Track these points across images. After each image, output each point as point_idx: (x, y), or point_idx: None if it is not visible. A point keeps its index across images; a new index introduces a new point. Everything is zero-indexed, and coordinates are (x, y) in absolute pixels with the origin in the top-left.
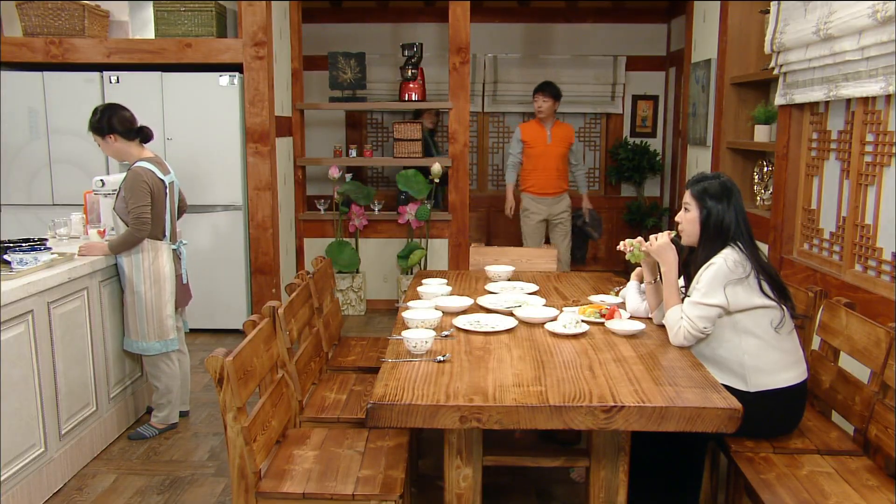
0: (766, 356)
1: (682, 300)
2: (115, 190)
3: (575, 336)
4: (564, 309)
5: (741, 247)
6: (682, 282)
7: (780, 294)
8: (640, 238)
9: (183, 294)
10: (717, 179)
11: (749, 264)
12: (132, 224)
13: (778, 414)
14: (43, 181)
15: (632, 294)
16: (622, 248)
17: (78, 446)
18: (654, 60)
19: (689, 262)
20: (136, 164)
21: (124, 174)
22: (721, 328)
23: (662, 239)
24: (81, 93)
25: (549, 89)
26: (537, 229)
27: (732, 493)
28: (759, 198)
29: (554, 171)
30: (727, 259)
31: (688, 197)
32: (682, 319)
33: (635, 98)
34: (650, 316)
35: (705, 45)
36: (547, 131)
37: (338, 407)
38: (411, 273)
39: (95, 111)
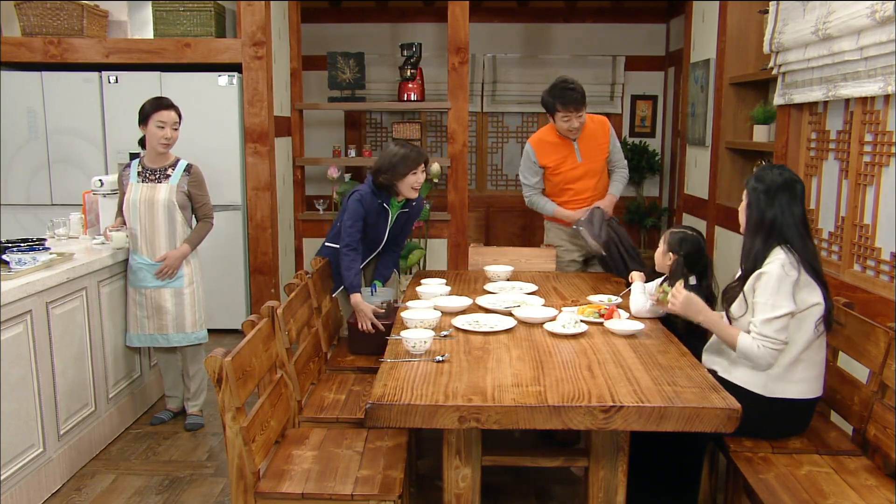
0: (794, 366)
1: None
2: (114, 189)
3: (574, 336)
4: (563, 309)
5: (790, 248)
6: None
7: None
8: (664, 286)
9: None
10: (772, 172)
11: (799, 265)
12: (206, 216)
13: (785, 421)
14: (42, 181)
15: (636, 295)
16: (652, 297)
17: (77, 446)
18: (653, 60)
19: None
20: (188, 162)
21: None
22: None
23: (681, 296)
24: (80, 93)
25: (582, 99)
26: (570, 268)
27: (731, 493)
28: None
29: (591, 191)
30: (783, 265)
31: (745, 185)
32: (759, 345)
33: (634, 98)
34: (654, 317)
35: (704, 45)
36: (574, 146)
37: (337, 407)
38: (410, 273)
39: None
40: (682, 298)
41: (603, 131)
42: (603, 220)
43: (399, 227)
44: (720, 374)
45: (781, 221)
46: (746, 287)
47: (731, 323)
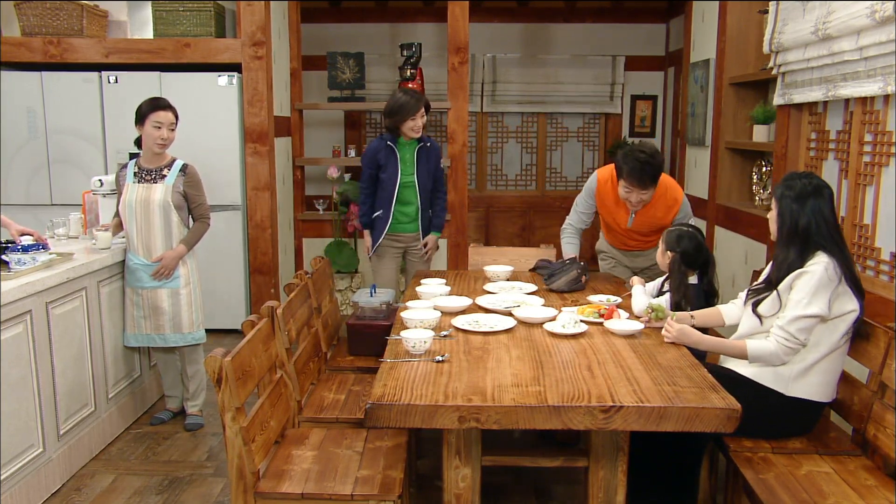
0: (817, 368)
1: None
2: (113, 189)
3: (574, 336)
4: (563, 309)
5: (829, 253)
6: (666, 290)
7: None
8: (652, 304)
9: None
10: (800, 180)
11: (841, 273)
12: (203, 217)
13: (794, 420)
14: (41, 181)
15: (638, 296)
16: (643, 319)
17: (76, 446)
18: (652, 60)
19: (773, 263)
20: (184, 162)
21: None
22: None
23: (674, 330)
24: (80, 93)
25: (652, 180)
26: (614, 274)
27: (731, 493)
28: (757, 198)
29: (636, 239)
30: (827, 267)
31: (773, 195)
32: (776, 340)
33: (634, 98)
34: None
35: (704, 45)
36: (630, 214)
37: (336, 407)
38: None
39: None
40: (675, 332)
41: (666, 208)
42: (574, 281)
43: (425, 165)
44: (739, 371)
45: (815, 229)
46: (782, 286)
47: (761, 321)
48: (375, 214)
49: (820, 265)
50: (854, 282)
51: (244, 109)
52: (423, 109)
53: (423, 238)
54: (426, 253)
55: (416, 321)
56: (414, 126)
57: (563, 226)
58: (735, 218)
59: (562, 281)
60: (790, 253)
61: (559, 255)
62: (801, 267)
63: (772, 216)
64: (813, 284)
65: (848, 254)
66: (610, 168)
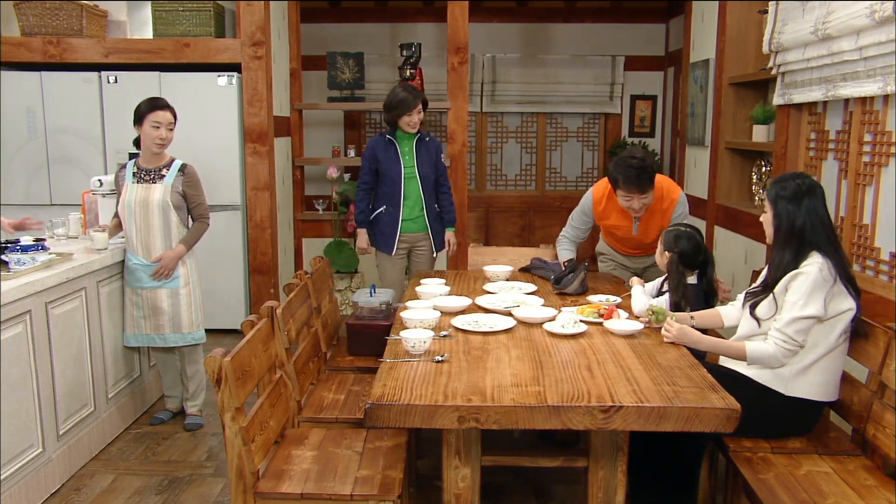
0: (817, 367)
1: (679, 302)
2: (113, 189)
3: (573, 336)
4: (563, 309)
5: (824, 253)
6: (664, 292)
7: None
8: (652, 307)
9: None
10: (793, 181)
11: (835, 273)
12: (202, 217)
13: (793, 420)
14: (41, 181)
15: (637, 297)
16: (643, 320)
17: (76, 447)
18: (652, 60)
19: (769, 265)
20: (183, 162)
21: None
22: None
23: (674, 331)
24: (79, 93)
25: (649, 182)
26: (614, 274)
27: (731, 493)
28: (757, 198)
29: (642, 247)
30: (822, 268)
31: (767, 198)
32: (775, 342)
33: (634, 98)
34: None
35: (704, 45)
36: (634, 223)
37: (336, 407)
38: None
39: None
40: (675, 332)
41: (664, 207)
42: (584, 282)
43: (425, 156)
44: (738, 370)
45: (811, 229)
46: (778, 288)
47: (759, 324)
48: (378, 212)
49: (814, 266)
50: (849, 281)
51: (244, 109)
52: (419, 105)
53: (433, 236)
54: (444, 251)
55: (416, 321)
56: (410, 121)
57: (559, 237)
58: (735, 218)
59: (577, 283)
60: (785, 254)
61: (555, 258)
62: (796, 268)
63: (766, 219)
64: (808, 285)
65: (842, 253)
66: (603, 184)
